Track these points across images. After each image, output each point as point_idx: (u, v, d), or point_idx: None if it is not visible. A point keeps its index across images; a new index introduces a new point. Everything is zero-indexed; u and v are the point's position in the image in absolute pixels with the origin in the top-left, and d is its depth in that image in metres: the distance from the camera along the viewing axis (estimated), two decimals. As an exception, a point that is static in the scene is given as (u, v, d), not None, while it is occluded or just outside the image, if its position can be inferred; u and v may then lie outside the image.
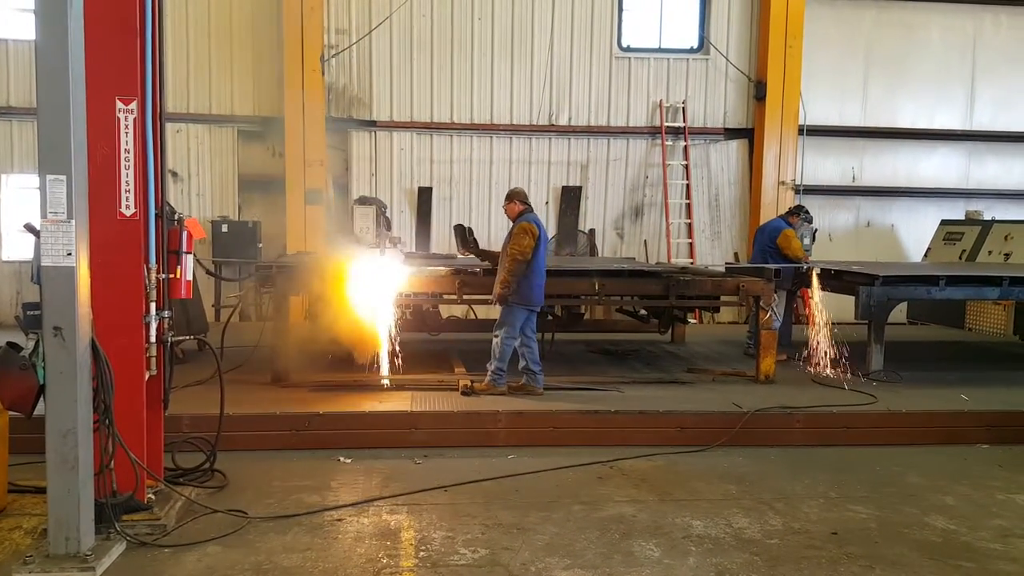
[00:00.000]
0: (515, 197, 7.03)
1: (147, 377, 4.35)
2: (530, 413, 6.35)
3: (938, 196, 13.52)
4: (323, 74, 11.99)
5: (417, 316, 8.83)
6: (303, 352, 7.18)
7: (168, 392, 4.65)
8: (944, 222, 12.63)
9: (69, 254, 3.72)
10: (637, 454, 5.94)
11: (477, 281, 7.44)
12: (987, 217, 12.70)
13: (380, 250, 7.32)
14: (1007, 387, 7.64)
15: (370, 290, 6.93)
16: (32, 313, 6.96)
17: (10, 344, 4.30)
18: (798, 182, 12.93)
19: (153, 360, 4.37)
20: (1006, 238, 11.32)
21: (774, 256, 8.87)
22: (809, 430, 6.45)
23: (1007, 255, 11.12)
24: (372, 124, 12.37)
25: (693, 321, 11.58)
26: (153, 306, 4.35)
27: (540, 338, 7.52)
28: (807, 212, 9.48)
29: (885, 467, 5.85)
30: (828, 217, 13.28)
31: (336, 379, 7.14)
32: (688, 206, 12.87)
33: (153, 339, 4.37)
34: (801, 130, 12.86)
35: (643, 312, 9.52)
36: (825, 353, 8.15)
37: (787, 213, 9.45)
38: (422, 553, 4.15)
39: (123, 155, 4.16)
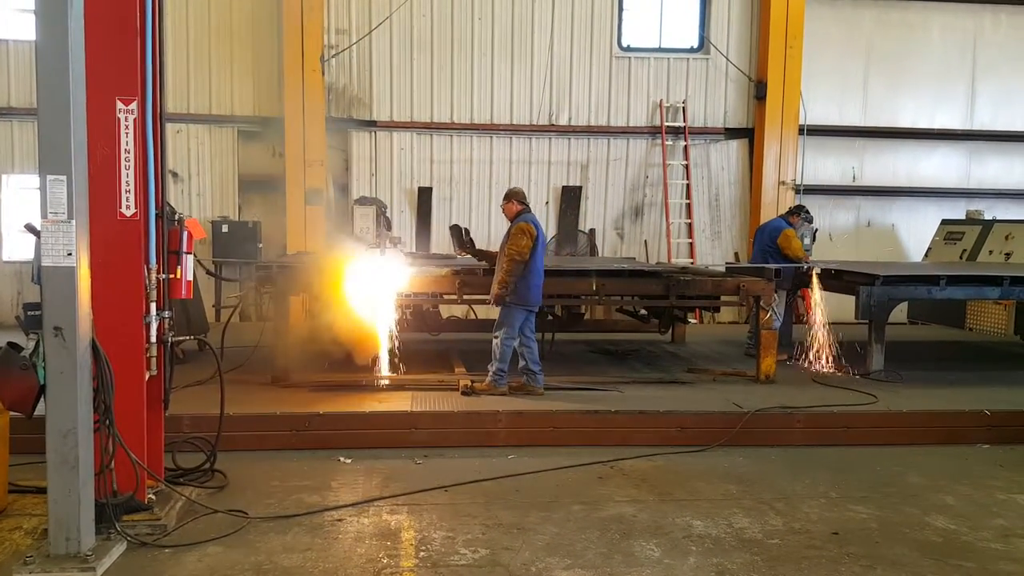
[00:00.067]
0: (513, 197, 7.03)
1: (147, 377, 4.35)
2: (530, 413, 6.35)
3: (938, 196, 13.51)
4: (323, 74, 11.99)
5: (417, 316, 8.83)
6: (303, 352, 7.18)
7: (168, 392, 4.65)
8: (945, 222, 12.62)
9: (69, 254, 3.72)
10: (637, 454, 5.94)
11: (477, 281, 7.43)
12: (988, 217, 12.70)
13: (380, 250, 7.32)
14: (1008, 387, 7.63)
15: (370, 290, 6.93)
16: (32, 313, 6.96)
17: (11, 344, 4.30)
18: (798, 182, 12.93)
19: (153, 360, 4.38)
20: (1007, 238, 11.32)
21: (774, 256, 8.86)
22: (809, 430, 6.45)
23: (1008, 255, 11.11)
24: (372, 124, 12.37)
25: (693, 321, 11.58)
26: (153, 306, 4.35)
27: (540, 338, 7.52)
28: (807, 212, 9.49)
29: (886, 467, 5.85)
30: (828, 217, 13.27)
31: (336, 379, 7.14)
32: (688, 206, 12.86)
33: (153, 339, 4.37)
34: (801, 130, 12.85)
35: (643, 312, 9.52)
36: (825, 353, 8.16)
37: (787, 213, 9.45)
38: (422, 553, 4.15)
39: (123, 155, 4.16)
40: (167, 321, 4.53)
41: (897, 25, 13.21)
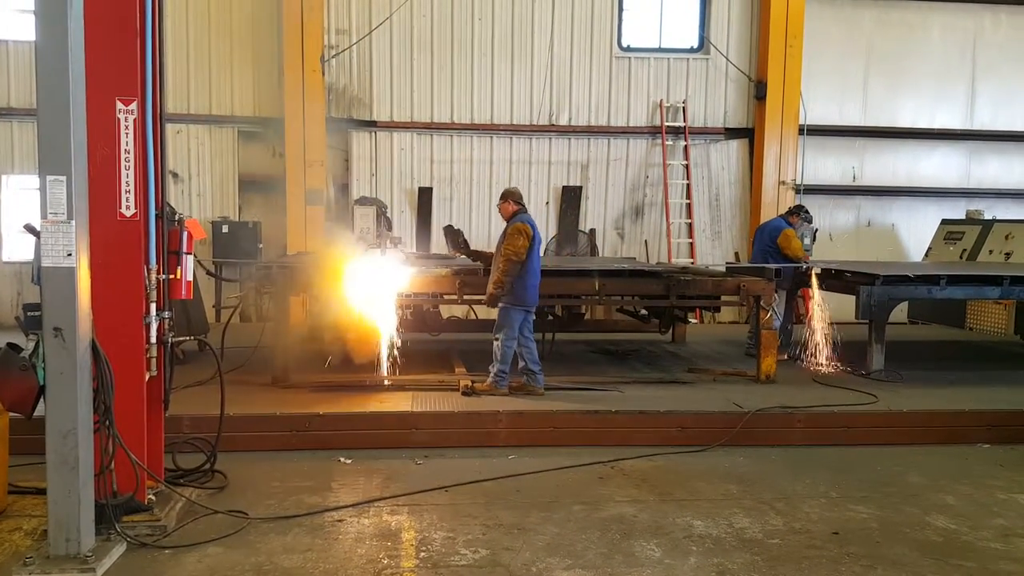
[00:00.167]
0: (509, 197, 7.03)
1: (147, 378, 4.35)
2: (530, 413, 6.35)
3: (939, 195, 13.51)
4: (323, 74, 11.98)
5: (417, 316, 8.83)
6: (303, 352, 7.17)
7: (168, 393, 4.65)
8: (945, 221, 12.62)
9: (69, 255, 3.72)
10: (638, 454, 5.94)
11: (478, 281, 7.43)
12: (988, 216, 12.69)
13: (381, 250, 7.32)
14: (1008, 386, 7.63)
15: (370, 290, 6.93)
16: (32, 314, 6.97)
17: (10, 345, 4.30)
18: (798, 182, 12.92)
19: (153, 361, 4.37)
20: (1007, 237, 11.32)
21: (774, 256, 8.87)
22: (810, 430, 6.45)
23: (1008, 254, 11.11)
24: (372, 124, 12.36)
25: (694, 321, 11.59)
26: (153, 307, 4.35)
27: (540, 338, 7.52)
28: (807, 212, 9.49)
29: (886, 467, 5.85)
30: (828, 217, 13.27)
31: (336, 379, 7.13)
32: (688, 206, 12.86)
33: (153, 340, 4.37)
34: (801, 130, 12.84)
35: (644, 312, 9.51)
36: (825, 352, 8.16)
37: (787, 213, 9.45)
38: (423, 554, 4.15)
39: (123, 156, 4.16)
40: (167, 321, 4.53)
41: (897, 25, 13.21)
